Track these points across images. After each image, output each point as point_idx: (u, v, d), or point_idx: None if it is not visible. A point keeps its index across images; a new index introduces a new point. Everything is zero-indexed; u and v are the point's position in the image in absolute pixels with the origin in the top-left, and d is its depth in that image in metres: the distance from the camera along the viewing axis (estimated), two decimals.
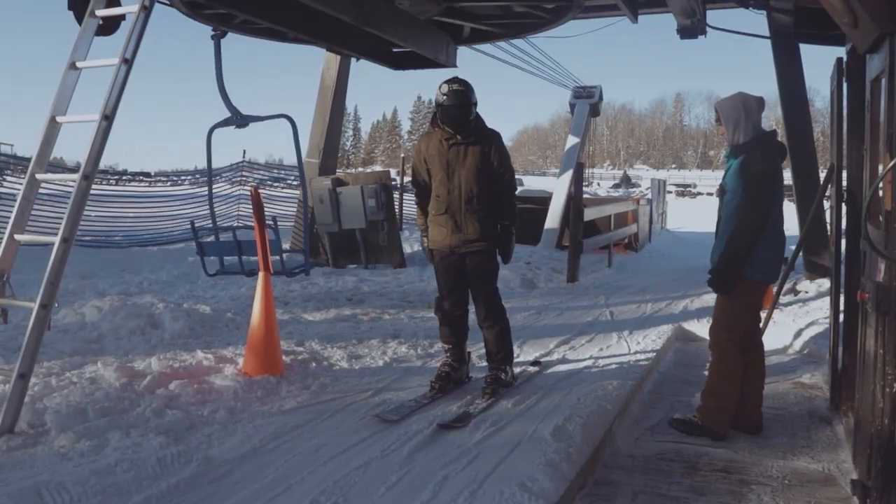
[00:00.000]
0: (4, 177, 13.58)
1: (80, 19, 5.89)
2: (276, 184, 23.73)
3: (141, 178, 27.20)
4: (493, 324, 5.45)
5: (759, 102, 4.96)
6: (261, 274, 5.60)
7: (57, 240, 4.52)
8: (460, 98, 5.16)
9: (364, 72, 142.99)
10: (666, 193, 24.86)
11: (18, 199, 4.95)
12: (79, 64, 5.20)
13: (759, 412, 5.11)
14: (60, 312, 7.45)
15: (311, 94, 13.65)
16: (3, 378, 5.05)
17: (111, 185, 22.18)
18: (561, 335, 7.56)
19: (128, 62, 4.96)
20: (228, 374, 5.45)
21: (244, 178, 19.00)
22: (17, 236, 4.81)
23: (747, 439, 4.93)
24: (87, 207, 10.66)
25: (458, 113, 5.18)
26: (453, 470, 3.89)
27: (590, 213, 12.93)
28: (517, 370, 5.88)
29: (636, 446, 4.86)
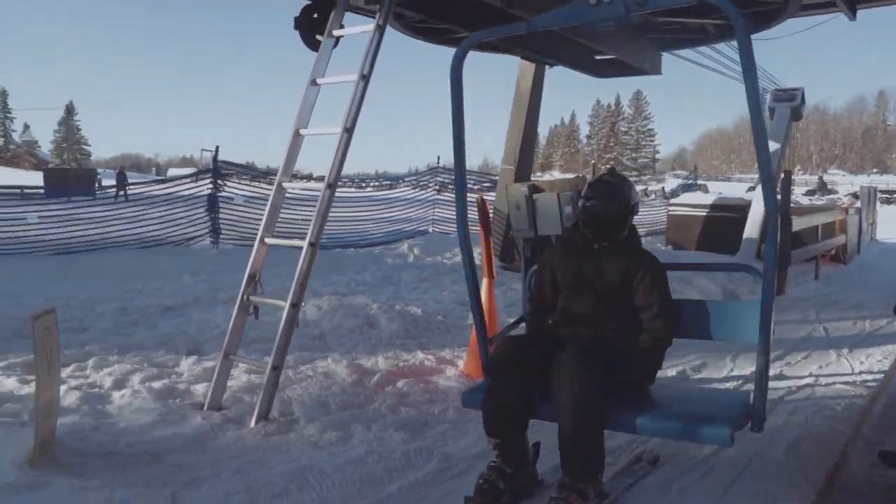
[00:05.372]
0: (226, 181, 14.82)
1: (304, 38, 6.35)
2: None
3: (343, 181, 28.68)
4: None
5: None
6: (485, 280, 5.80)
7: (305, 244, 4.92)
8: (605, 191, 3.92)
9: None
10: (877, 201, 23.14)
11: (268, 205, 5.40)
12: (319, 80, 5.60)
13: None
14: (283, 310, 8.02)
15: (501, 100, 13.89)
16: (248, 368, 5.55)
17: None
18: (773, 350, 7.26)
19: (365, 78, 5.29)
20: (451, 375, 5.68)
21: (439, 183, 19.55)
22: (267, 240, 5.25)
23: None
24: (295, 210, 11.35)
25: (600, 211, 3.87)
26: (688, 482, 3.88)
27: (797, 223, 12.33)
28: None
29: (873, 473, 4.61)
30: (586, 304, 3.82)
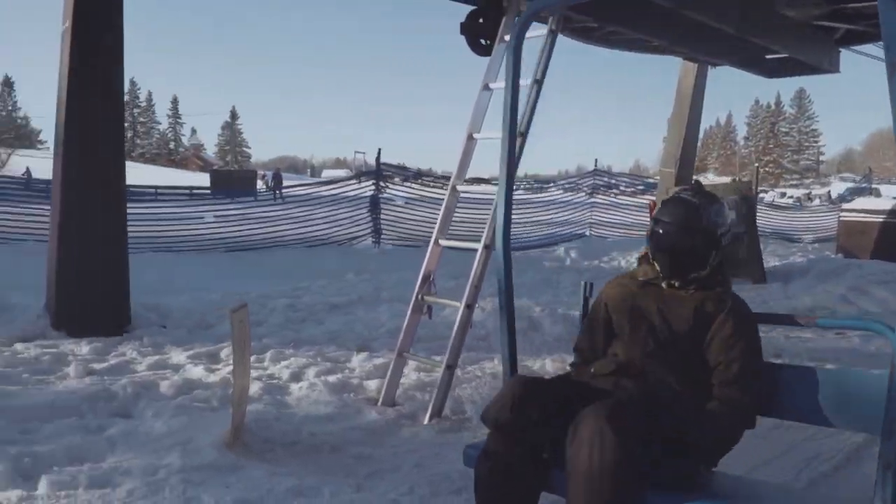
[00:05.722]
0: (388, 184, 15.38)
1: (470, 43, 6.46)
2: (609, 190, 24.12)
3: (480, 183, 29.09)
4: None
5: None
6: None
7: (480, 246, 5.00)
8: (683, 215, 2.96)
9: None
10: None
11: (442, 207, 5.53)
12: (491, 85, 5.68)
13: None
14: (447, 310, 8.14)
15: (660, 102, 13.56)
16: (417, 366, 5.69)
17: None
18: None
19: (538, 82, 5.32)
20: None
21: (592, 186, 19.49)
22: (441, 241, 5.37)
23: None
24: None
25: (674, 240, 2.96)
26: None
27: None
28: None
29: None
30: (640, 353, 2.91)
